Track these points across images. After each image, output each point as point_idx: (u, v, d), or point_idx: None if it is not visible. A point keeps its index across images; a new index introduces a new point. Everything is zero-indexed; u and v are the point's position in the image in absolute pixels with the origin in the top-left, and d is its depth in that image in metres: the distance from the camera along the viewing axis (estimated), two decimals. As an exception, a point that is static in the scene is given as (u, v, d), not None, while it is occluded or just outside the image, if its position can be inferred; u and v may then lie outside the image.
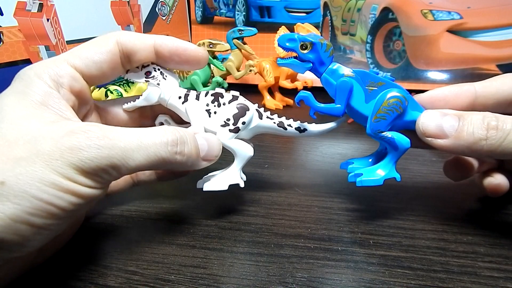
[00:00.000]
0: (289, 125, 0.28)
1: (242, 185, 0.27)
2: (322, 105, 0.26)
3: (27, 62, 0.45)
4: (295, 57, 0.25)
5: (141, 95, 0.27)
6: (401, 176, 0.25)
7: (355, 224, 0.27)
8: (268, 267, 0.23)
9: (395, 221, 0.27)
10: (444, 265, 0.23)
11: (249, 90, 0.28)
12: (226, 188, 0.26)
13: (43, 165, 0.17)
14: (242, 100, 0.27)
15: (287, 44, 0.25)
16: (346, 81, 0.25)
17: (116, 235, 0.26)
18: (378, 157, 0.28)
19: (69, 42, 0.50)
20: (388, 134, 0.24)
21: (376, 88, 0.25)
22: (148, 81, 0.26)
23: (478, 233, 0.26)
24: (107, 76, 0.24)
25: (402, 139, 0.24)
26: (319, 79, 0.26)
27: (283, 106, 0.56)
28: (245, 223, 0.27)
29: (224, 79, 0.52)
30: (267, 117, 0.28)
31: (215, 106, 0.26)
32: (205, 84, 0.50)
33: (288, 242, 0.25)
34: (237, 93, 0.27)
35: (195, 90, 0.27)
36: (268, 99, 0.56)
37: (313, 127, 0.28)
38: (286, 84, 0.55)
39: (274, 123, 0.28)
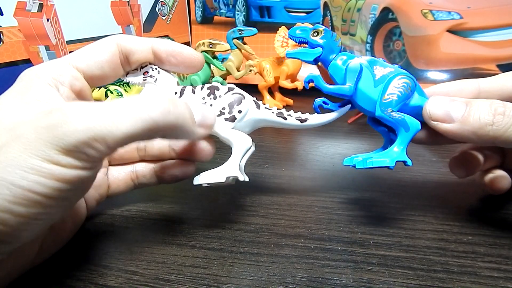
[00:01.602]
0: (289, 115, 0.27)
1: (241, 178, 0.25)
2: (331, 86, 0.25)
3: (27, 62, 0.45)
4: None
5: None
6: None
7: (355, 224, 0.27)
8: (268, 267, 0.23)
9: (395, 221, 0.27)
10: (444, 265, 0.23)
11: (249, 90, 0.28)
12: (223, 180, 0.24)
13: (21, 149, 0.16)
14: (237, 90, 0.26)
15: (298, 32, 0.25)
16: (356, 63, 0.25)
17: (116, 235, 0.26)
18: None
19: (69, 42, 0.50)
20: (399, 114, 0.24)
21: (384, 74, 0.25)
22: (146, 79, 0.26)
23: (478, 233, 0.26)
24: (107, 76, 0.24)
25: (413, 120, 0.24)
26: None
27: (283, 106, 0.56)
28: (245, 223, 0.27)
29: (224, 79, 0.52)
30: (265, 108, 0.27)
31: (211, 99, 0.26)
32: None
33: (288, 242, 0.25)
34: (233, 86, 0.27)
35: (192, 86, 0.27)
36: (268, 99, 0.56)
37: (314, 117, 0.27)
38: (286, 84, 0.55)
39: (273, 113, 0.27)
